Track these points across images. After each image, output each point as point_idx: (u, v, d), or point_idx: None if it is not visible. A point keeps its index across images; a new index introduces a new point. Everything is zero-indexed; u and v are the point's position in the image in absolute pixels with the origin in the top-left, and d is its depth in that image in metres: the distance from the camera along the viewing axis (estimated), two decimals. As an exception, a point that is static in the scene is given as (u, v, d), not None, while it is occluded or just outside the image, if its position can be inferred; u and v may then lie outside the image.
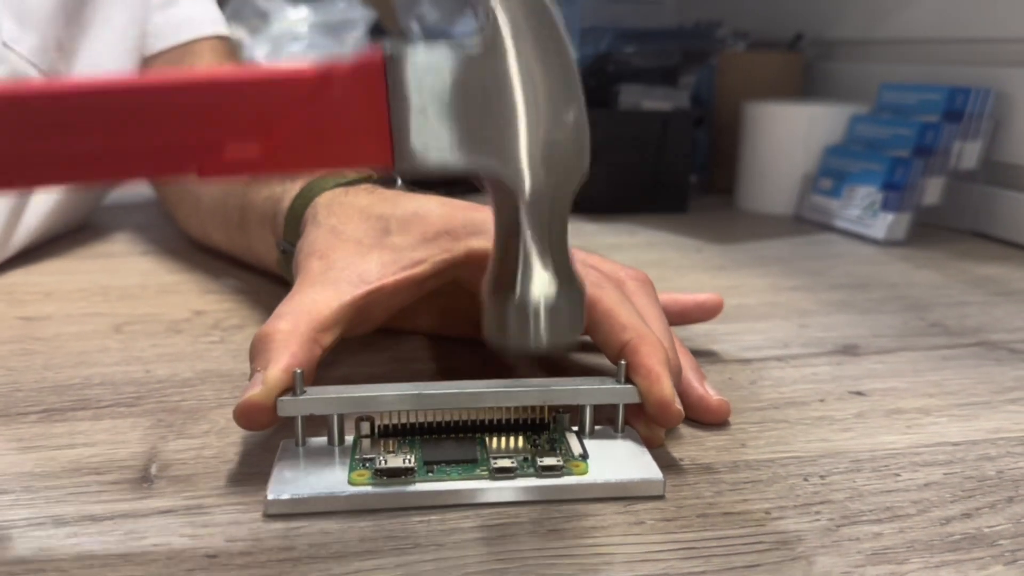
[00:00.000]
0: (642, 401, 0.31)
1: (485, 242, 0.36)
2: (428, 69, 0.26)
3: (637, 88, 0.88)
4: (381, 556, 0.26)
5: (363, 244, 0.37)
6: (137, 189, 0.82)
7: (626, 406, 0.32)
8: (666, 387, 0.31)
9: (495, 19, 0.26)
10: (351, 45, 1.08)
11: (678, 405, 0.31)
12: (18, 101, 0.25)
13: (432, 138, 0.27)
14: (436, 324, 0.45)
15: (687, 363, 0.36)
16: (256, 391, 0.30)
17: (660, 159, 0.82)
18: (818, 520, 0.28)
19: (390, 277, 0.35)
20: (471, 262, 0.36)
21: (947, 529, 0.28)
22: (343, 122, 0.27)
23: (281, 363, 0.30)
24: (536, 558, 0.26)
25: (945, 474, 0.31)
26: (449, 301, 0.42)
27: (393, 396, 0.30)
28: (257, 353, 0.32)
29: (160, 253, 0.63)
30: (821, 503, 0.29)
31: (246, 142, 0.26)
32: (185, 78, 0.27)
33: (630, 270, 0.38)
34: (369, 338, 0.40)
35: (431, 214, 0.38)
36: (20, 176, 0.26)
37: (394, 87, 0.26)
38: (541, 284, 0.28)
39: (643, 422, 0.32)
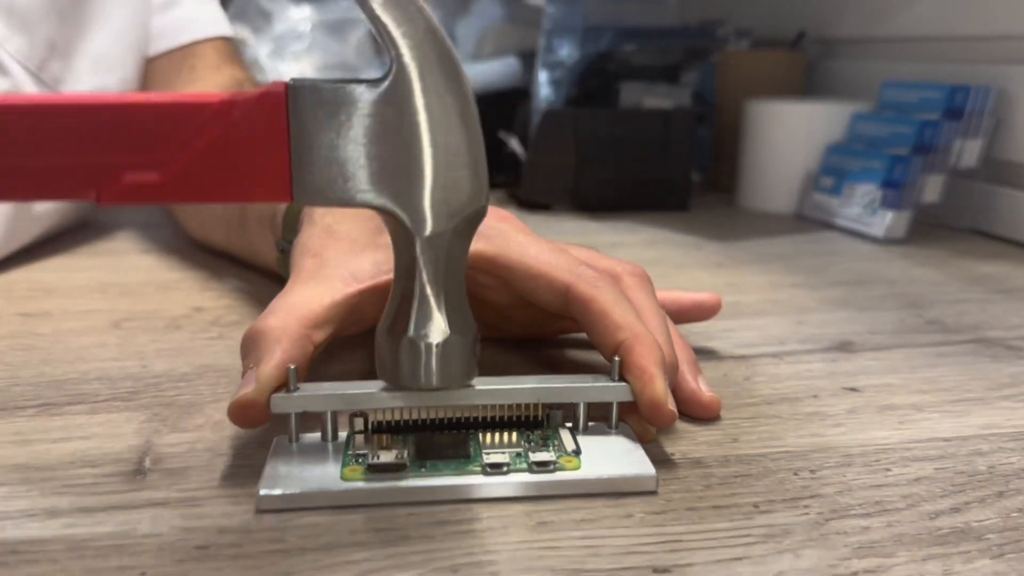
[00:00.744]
0: (635, 400, 0.31)
1: (479, 243, 0.36)
2: (333, 105, 0.27)
3: (638, 86, 0.88)
4: (371, 548, 0.26)
5: (357, 243, 0.37)
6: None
7: (620, 401, 0.32)
8: (659, 388, 0.31)
9: (401, 60, 0.27)
10: (354, 44, 1.09)
11: (671, 406, 0.31)
12: None
13: (332, 174, 0.27)
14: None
15: (683, 356, 0.36)
16: (249, 389, 0.30)
17: (661, 157, 0.83)
18: (807, 514, 0.28)
19: (383, 276, 0.36)
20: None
21: (935, 523, 0.28)
22: (243, 153, 0.27)
23: (273, 360, 0.30)
24: (524, 550, 0.26)
25: (936, 469, 0.31)
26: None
27: (387, 394, 0.30)
28: (249, 350, 0.32)
29: (161, 251, 0.64)
30: (810, 497, 0.29)
31: (145, 169, 0.26)
32: (85, 100, 0.27)
33: (627, 265, 0.38)
34: (365, 336, 0.41)
35: None
36: None
37: (296, 120, 0.27)
38: (434, 327, 0.28)
39: (636, 418, 0.32)
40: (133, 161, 0.26)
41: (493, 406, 0.32)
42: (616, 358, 0.32)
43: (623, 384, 0.31)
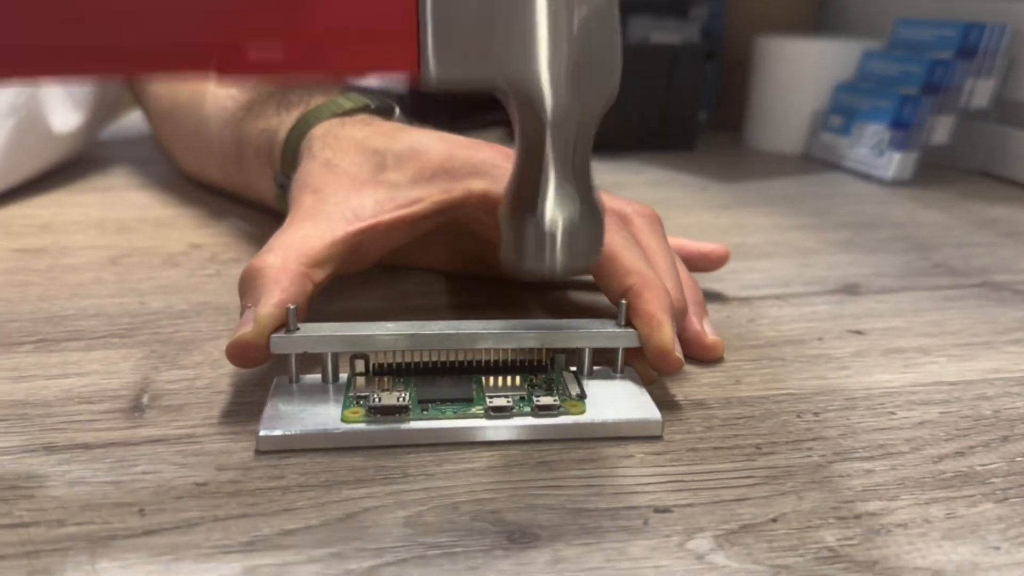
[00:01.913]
0: (642, 346, 0.31)
1: (484, 183, 0.35)
2: None
3: (646, 20, 0.86)
4: (371, 485, 0.26)
5: (358, 179, 0.36)
6: (135, 122, 0.81)
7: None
8: (667, 335, 0.30)
9: None
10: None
11: (678, 353, 0.30)
12: None
13: (459, 46, 0.26)
14: (436, 260, 0.45)
15: (690, 297, 0.35)
16: (248, 329, 0.29)
17: (668, 95, 0.81)
18: (809, 456, 0.28)
19: (386, 215, 0.35)
20: (469, 203, 0.36)
21: (939, 467, 0.27)
22: (369, 22, 0.25)
23: (272, 299, 0.30)
24: (525, 489, 0.26)
25: (941, 413, 0.31)
26: (449, 238, 0.42)
27: (389, 335, 0.30)
28: (247, 288, 0.31)
29: (158, 187, 0.63)
30: (813, 439, 0.29)
31: (269, 39, 0.25)
32: None
33: (638, 205, 0.37)
34: (367, 273, 0.40)
35: (429, 150, 0.37)
36: (32, 64, 0.25)
37: None
38: (562, 206, 0.27)
39: (639, 361, 0.32)
40: (256, 33, 0.25)
41: (497, 350, 0.31)
42: (623, 302, 0.31)
43: (630, 330, 0.31)
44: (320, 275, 0.33)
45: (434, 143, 0.37)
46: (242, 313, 0.31)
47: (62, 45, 0.25)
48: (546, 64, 0.26)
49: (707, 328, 0.35)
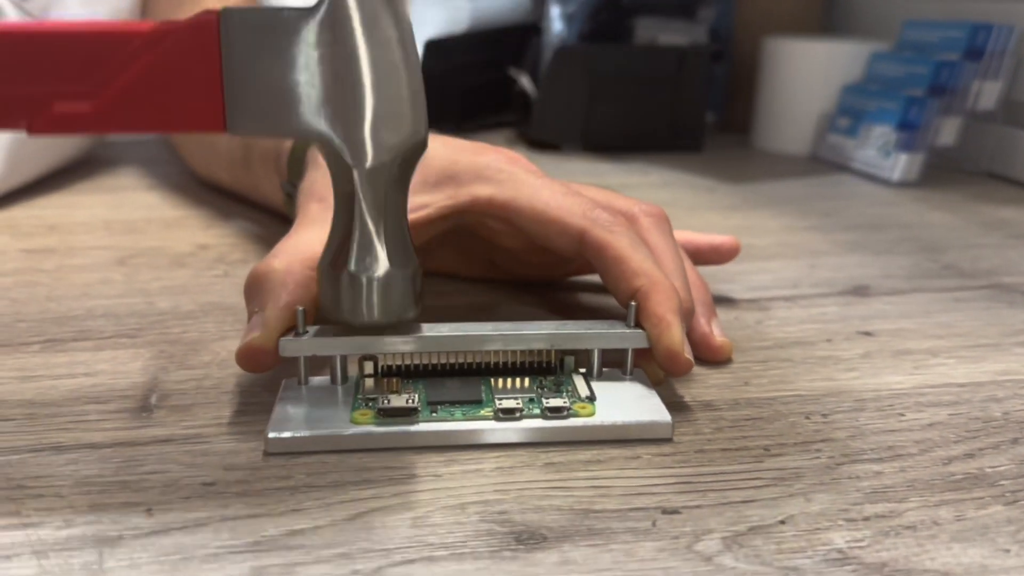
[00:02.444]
0: (651, 347, 0.31)
1: (489, 188, 0.35)
2: (266, 32, 0.26)
3: (653, 22, 0.86)
4: (378, 486, 0.26)
5: None
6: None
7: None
8: (676, 336, 0.30)
9: None
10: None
11: (688, 355, 0.30)
12: None
13: (267, 104, 0.27)
14: (443, 264, 0.45)
15: (699, 298, 0.35)
16: (256, 334, 0.29)
17: (676, 96, 0.81)
18: (818, 458, 0.28)
19: None
20: (475, 208, 0.36)
21: (948, 469, 0.27)
22: (175, 82, 0.26)
23: (279, 303, 0.30)
24: (533, 490, 0.26)
25: (950, 415, 0.31)
26: (455, 242, 0.42)
27: (398, 338, 0.30)
28: (253, 293, 0.31)
29: (166, 188, 0.63)
30: (822, 441, 0.29)
31: (77, 99, 0.26)
32: (14, 28, 0.26)
33: (645, 205, 0.37)
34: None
35: (433, 156, 0.37)
36: None
37: (228, 49, 0.26)
38: (374, 261, 0.28)
39: (647, 361, 0.32)
40: (64, 90, 0.26)
41: (506, 352, 0.31)
42: (632, 303, 0.31)
43: (639, 331, 0.31)
44: None
45: (438, 149, 0.37)
46: (249, 318, 0.31)
47: None
48: (350, 121, 0.27)
49: (715, 329, 0.35)
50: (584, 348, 0.31)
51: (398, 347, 0.30)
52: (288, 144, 0.44)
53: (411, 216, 0.35)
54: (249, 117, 0.27)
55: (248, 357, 0.29)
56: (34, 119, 0.26)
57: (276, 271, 0.31)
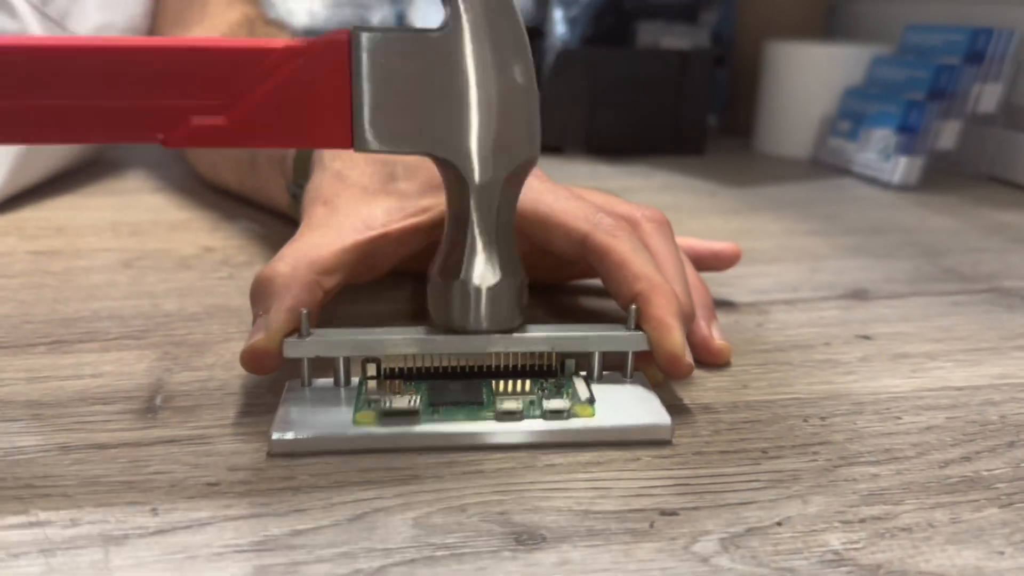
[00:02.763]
0: (652, 351, 0.31)
1: None
2: (393, 53, 0.27)
3: (656, 26, 0.86)
4: (380, 487, 0.26)
5: (368, 190, 0.37)
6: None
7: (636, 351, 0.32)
8: (677, 339, 0.30)
9: (461, 10, 0.27)
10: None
11: (688, 358, 0.30)
12: None
13: (390, 121, 0.28)
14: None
15: (699, 301, 0.36)
16: (260, 336, 0.30)
17: (678, 100, 0.81)
18: (815, 460, 0.28)
19: (395, 224, 0.35)
20: None
21: (945, 472, 0.28)
22: (306, 99, 0.28)
23: (284, 306, 0.30)
24: (533, 491, 0.26)
25: (947, 418, 0.31)
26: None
27: (400, 340, 0.30)
28: (259, 296, 0.32)
29: (172, 190, 0.64)
30: (820, 444, 0.29)
31: (212, 113, 0.27)
32: (156, 44, 0.27)
33: (647, 210, 0.37)
34: (377, 280, 0.40)
35: None
36: None
37: (357, 68, 0.27)
38: (485, 273, 0.30)
39: (648, 365, 0.32)
40: (200, 104, 0.27)
41: (507, 354, 0.31)
42: (633, 307, 0.31)
43: (639, 333, 0.31)
44: (330, 283, 0.33)
45: None
46: (254, 321, 0.31)
47: (26, 114, 0.26)
48: (468, 139, 0.28)
49: (715, 333, 0.35)
50: (585, 351, 0.31)
51: (401, 349, 0.30)
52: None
53: (414, 219, 0.36)
54: (374, 134, 0.28)
55: (252, 359, 0.30)
56: (170, 132, 0.27)
57: (281, 274, 0.31)
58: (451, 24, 0.28)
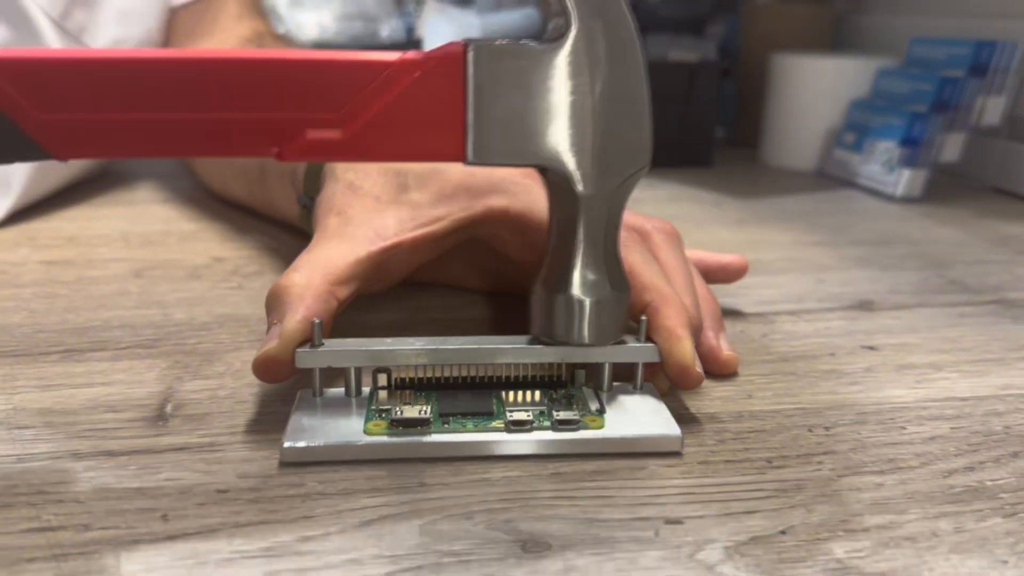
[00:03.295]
0: (662, 361, 0.31)
1: (504, 200, 0.36)
2: (508, 65, 0.27)
3: (663, 39, 0.87)
4: (387, 494, 0.26)
5: (381, 200, 0.37)
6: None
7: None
8: (687, 350, 0.31)
9: (576, 22, 0.27)
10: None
11: (698, 368, 0.31)
12: (98, 68, 0.26)
13: (504, 133, 0.28)
14: (457, 277, 0.45)
15: (707, 311, 0.36)
16: (273, 344, 0.30)
17: (685, 112, 0.81)
18: (819, 470, 0.28)
19: (408, 234, 0.35)
20: (489, 220, 0.36)
21: (949, 481, 0.28)
22: (421, 112, 0.27)
23: (297, 316, 0.31)
24: (539, 499, 0.26)
25: (951, 428, 0.31)
26: (470, 255, 0.42)
27: (411, 350, 0.30)
28: (273, 306, 0.32)
29: (182, 201, 0.64)
30: (824, 453, 0.29)
31: (327, 126, 0.27)
32: (272, 56, 0.27)
33: (656, 221, 0.38)
34: (390, 290, 0.41)
35: (449, 169, 0.37)
36: (93, 145, 0.27)
37: (473, 80, 0.27)
38: (591, 285, 0.29)
39: (657, 375, 0.32)
40: (316, 118, 0.27)
41: (517, 365, 0.32)
42: (643, 318, 0.31)
43: (651, 345, 0.31)
44: (344, 292, 0.33)
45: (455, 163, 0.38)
46: (268, 330, 0.31)
47: (143, 127, 0.26)
48: (578, 150, 0.28)
49: (722, 343, 0.36)
50: (594, 361, 0.32)
51: (411, 360, 0.30)
52: None
53: (427, 228, 0.36)
54: (488, 147, 0.28)
55: (264, 367, 0.30)
56: (285, 145, 0.27)
57: (296, 284, 0.32)
58: (567, 35, 0.27)
